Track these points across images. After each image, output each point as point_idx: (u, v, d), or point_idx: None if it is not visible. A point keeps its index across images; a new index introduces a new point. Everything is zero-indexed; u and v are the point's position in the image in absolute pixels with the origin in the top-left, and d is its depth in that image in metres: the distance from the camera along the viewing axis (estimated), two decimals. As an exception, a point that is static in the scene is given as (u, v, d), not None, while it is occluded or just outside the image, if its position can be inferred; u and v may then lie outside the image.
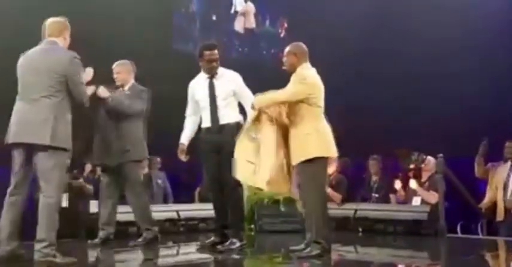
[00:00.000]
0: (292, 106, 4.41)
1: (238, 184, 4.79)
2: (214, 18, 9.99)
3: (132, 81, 5.46)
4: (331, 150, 4.45)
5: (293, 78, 4.43)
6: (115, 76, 5.41)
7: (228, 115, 4.86)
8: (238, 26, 10.22)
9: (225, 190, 4.81)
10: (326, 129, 4.46)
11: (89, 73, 4.54)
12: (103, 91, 5.12)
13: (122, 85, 5.40)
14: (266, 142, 4.45)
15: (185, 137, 5.11)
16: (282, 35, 10.64)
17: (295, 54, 4.45)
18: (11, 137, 4.10)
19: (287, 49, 4.51)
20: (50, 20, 4.30)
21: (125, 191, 5.31)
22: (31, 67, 4.11)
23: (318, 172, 4.41)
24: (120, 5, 8.11)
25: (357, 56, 9.66)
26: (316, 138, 4.36)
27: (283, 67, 4.54)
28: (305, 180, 4.44)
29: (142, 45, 8.00)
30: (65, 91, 4.09)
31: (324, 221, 4.41)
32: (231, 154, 4.54)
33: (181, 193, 7.84)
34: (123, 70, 5.42)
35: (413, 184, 6.38)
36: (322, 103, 4.47)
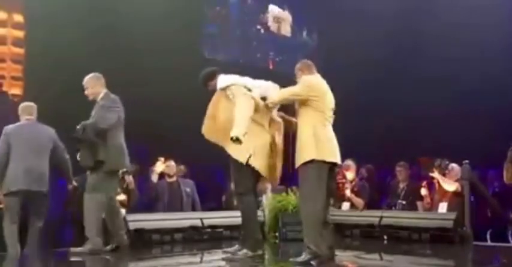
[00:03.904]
0: (298, 108, 4.65)
1: (246, 192, 4.78)
2: (250, 27, 10.07)
3: (103, 90, 5.36)
4: (325, 155, 4.45)
5: (299, 82, 4.76)
6: (85, 92, 5.36)
7: None
8: (273, 33, 10.29)
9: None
10: (326, 135, 4.53)
11: None
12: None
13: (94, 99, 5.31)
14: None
15: None
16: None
17: (301, 69, 4.86)
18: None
19: (296, 67, 4.91)
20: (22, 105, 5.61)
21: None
22: (32, 135, 5.45)
23: (313, 176, 4.42)
24: (151, 16, 8.19)
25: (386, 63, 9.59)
26: (313, 142, 4.44)
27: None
28: (300, 183, 4.56)
29: (175, 56, 8.09)
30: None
31: (315, 227, 4.39)
32: (233, 163, 4.71)
33: (209, 200, 7.86)
34: (89, 85, 5.36)
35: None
36: (325, 110, 4.59)
